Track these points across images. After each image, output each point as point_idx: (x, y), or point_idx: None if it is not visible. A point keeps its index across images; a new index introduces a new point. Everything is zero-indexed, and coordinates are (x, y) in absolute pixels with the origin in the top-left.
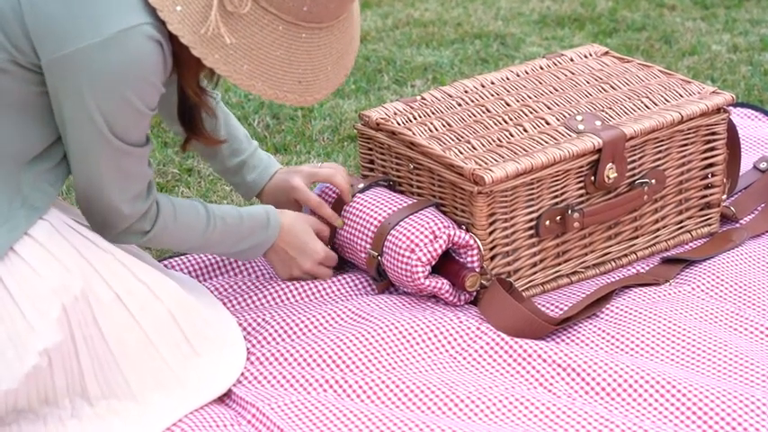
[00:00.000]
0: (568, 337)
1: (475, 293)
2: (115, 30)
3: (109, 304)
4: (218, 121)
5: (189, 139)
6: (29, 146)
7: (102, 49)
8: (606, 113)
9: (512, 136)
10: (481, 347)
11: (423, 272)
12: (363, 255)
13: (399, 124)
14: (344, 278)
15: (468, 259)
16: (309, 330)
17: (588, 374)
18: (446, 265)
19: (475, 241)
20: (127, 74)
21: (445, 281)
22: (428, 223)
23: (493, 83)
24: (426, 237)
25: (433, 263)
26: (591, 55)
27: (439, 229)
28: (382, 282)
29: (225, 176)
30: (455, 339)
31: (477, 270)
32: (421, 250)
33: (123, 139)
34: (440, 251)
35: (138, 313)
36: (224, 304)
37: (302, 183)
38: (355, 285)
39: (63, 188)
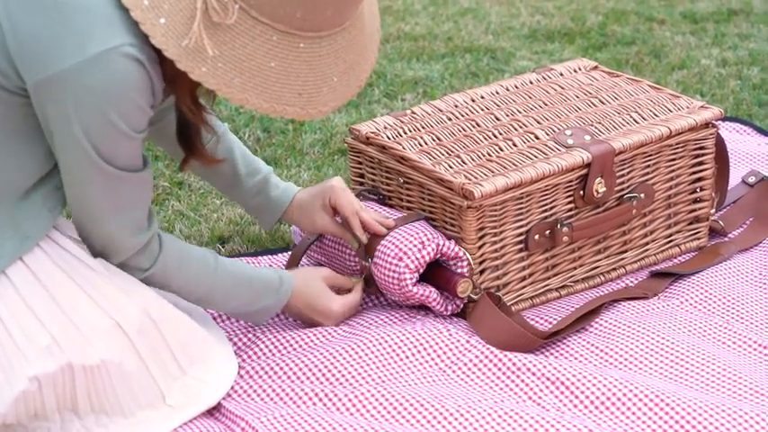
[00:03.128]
0: (558, 351)
1: (462, 304)
2: (96, 50)
3: (107, 331)
4: (219, 141)
5: (187, 158)
6: (26, 175)
7: (84, 69)
8: (595, 128)
9: (501, 150)
10: (470, 361)
11: (411, 279)
12: (352, 264)
13: (389, 138)
14: None
15: (459, 270)
16: (300, 345)
17: (577, 388)
18: (436, 273)
19: (464, 254)
20: (108, 95)
21: (433, 289)
22: (417, 233)
23: (483, 97)
24: (414, 245)
25: (421, 270)
26: (580, 69)
27: (428, 238)
28: (370, 288)
29: (244, 200)
30: (444, 353)
31: (464, 268)
32: (409, 257)
33: (112, 163)
34: (428, 258)
35: (135, 338)
36: (214, 319)
37: (342, 183)
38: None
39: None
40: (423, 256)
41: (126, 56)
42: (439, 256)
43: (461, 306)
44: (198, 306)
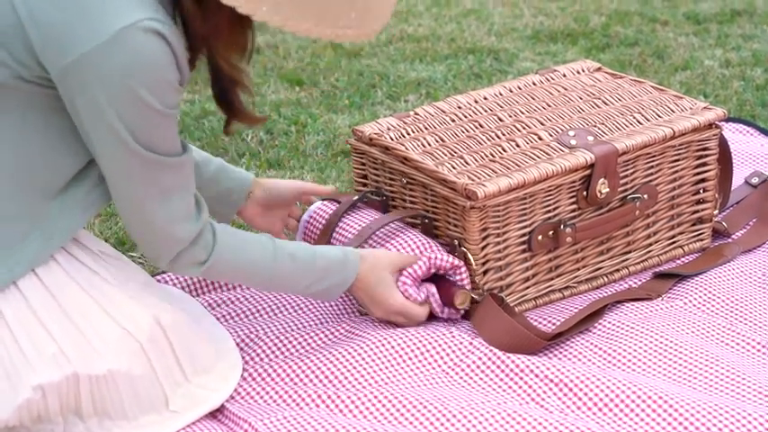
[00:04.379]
0: (561, 352)
1: (463, 311)
2: (115, 29)
3: (117, 340)
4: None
5: (230, 120)
6: (57, 173)
7: (106, 50)
8: (598, 129)
9: (504, 151)
10: (473, 362)
11: (412, 285)
12: None
13: (392, 139)
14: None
15: (458, 278)
16: (303, 348)
17: (580, 389)
18: (436, 283)
19: (462, 261)
20: (134, 71)
21: (434, 290)
22: (411, 246)
23: (486, 98)
24: (411, 268)
25: (418, 282)
26: (583, 71)
27: (420, 252)
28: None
29: (203, 192)
30: (447, 354)
31: (468, 288)
32: (408, 277)
33: (150, 148)
34: (420, 273)
35: (146, 345)
36: (217, 319)
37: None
38: (352, 304)
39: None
40: (414, 271)
41: (146, 30)
42: (434, 270)
43: (458, 317)
44: (262, 289)
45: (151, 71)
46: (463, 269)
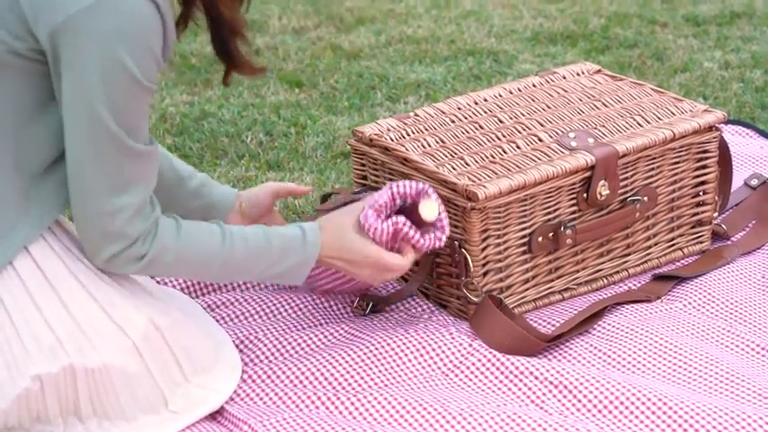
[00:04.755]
0: (560, 354)
1: (442, 236)
2: None
3: (111, 335)
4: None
5: (229, 71)
6: (42, 153)
7: (94, 12)
8: (599, 131)
9: (505, 153)
10: (473, 364)
11: (373, 215)
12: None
13: (393, 140)
14: (339, 299)
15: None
16: (302, 349)
17: (580, 391)
18: (408, 213)
19: (428, 185)
20: (121, 36)
21: (404, 218)
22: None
23: (486, 100)
24: (372, 200)
25: (386, 211)
26: (583, 73)
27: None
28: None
29: (185, 205)
30: (447, 356)
31: (434, 198)
32: (369, 207)
33: (127, 129)
34: (384, 200)
35: (139, 344)
36: (217, 321)
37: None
38: (351, 305)
39: None
40: (377, 201)
41: None
42: (400, 199)
43: (442, 238)
44: (217, 281)
45: (139, 37)
46: (431, 191)
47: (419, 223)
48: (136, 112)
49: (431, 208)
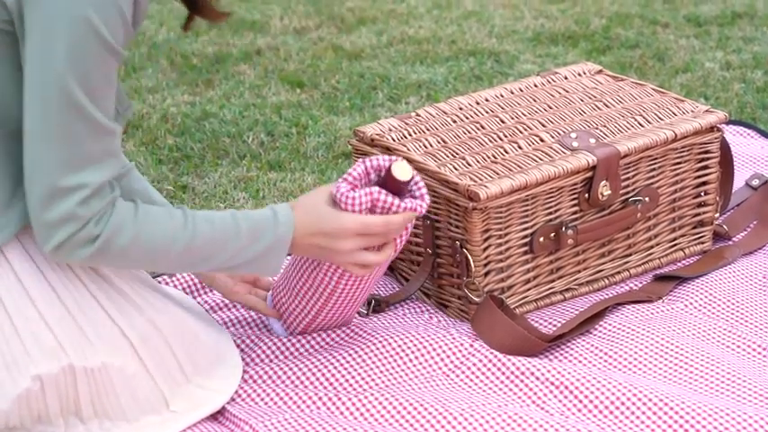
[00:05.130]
0: (561, 354)
1: (422, 202)
2: None
3: (110, 336)
4: (128, 176)
5: (191, 17)
6: None
7: None
8: (600, 131)
9: (506, 153)
10: (474, 365)
11: (347, 186)
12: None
13: (394, 140)
14: None
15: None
16: (304, 349)
17: (581, 392)
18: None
19: (400, 158)
20: None
21: (377, 188)
22: None
23: (487, 100)
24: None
25: (360, 184)
26: (585, 73)
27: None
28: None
29: None
30: (448, 357)
31: (421, 190)
32: (342, 182)
33: (90, 92)
34: (358, 173)
35: (138, 345)
36: (218, 321)
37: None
38: None
39: None
40: (350, 173)
41: None
42: (374, 173)
43: (422, 205)
44: (179, 270)
45: None
46: (399, 158)
47: (396, 193)
48: (103, 80)
49: (403, 168)
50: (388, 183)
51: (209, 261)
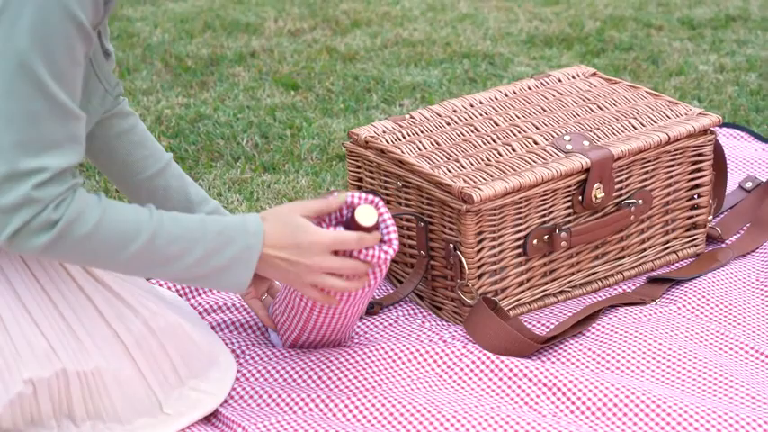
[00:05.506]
0: (554, 356)
1: (389, 251)
2: None
3: (104, 339)
4: (167, 168)
5: None
6: None
7: None
8: (594, 134)
9: (500, 155)
10: (467, 366)
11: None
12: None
13: (388, 142)
14: None
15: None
16: (296, 351)
17: (574, 393)
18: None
19: (381, 201)
20: None
21: (341, 228)
22: None
23: (481, 102)
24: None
25: (328, 219)
26: (578, 76)
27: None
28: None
29: None
30: (441, 358)
31: (390, 235)
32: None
33: (55, 73)
34: (325, 206)
35: (132, 348)
36: (210, 324)
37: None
38: None
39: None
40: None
41: None
42: (346, 209)
43: (388, 251)
44: (136, 272)
45: None
46: (381, 204)
47: (354, 227)
48: (69, 60)
49: (368, 213)
50: (352, 226)
51: (170, 264)
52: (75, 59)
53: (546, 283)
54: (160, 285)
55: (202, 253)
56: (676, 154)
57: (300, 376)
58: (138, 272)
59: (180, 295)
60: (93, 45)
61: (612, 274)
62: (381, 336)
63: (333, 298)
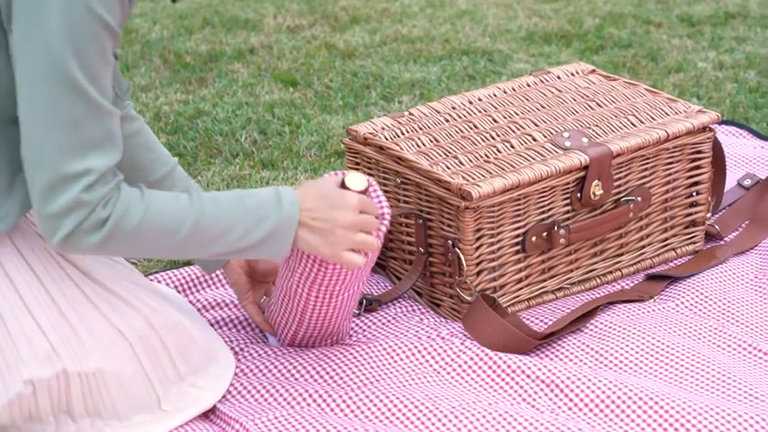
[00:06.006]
0: (552, 353)
1: (381, 228)
2: None
3: (108, 339)
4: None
5: None
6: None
7: None
8: (593, 131)
9: (499, 152)
10: (465, 362)
11: None
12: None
13: (387, 139)
14: None
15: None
16: (295, 348)
17: (572, 390)
18: None
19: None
20: None
21: None
22: None
23: (480, 99)
24: None
25: None
26: (578, 73)
27: None
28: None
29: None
30: (439, 354)
31: (384, 207)
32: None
33: (88, 72)
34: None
35: (136, 345)
36: (209, 320)
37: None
38: None
39: None
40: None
41: None
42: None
43: (383, 224)
44: (184, 255)
45: None
46: (371, 180)
47: None
48: (100, 59)
49: (357, 178)
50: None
51: (213, 244)
52: (106, 59)
53: (544, 280)
54: (158, 281)
55: (243, 230)
56: (675, 151)
57: (298, 371)
58: (185, 255)
59: (179, 291)
60: (119, 42)
61: (611, 272)
62: (380, 332)
63: (363, 259)
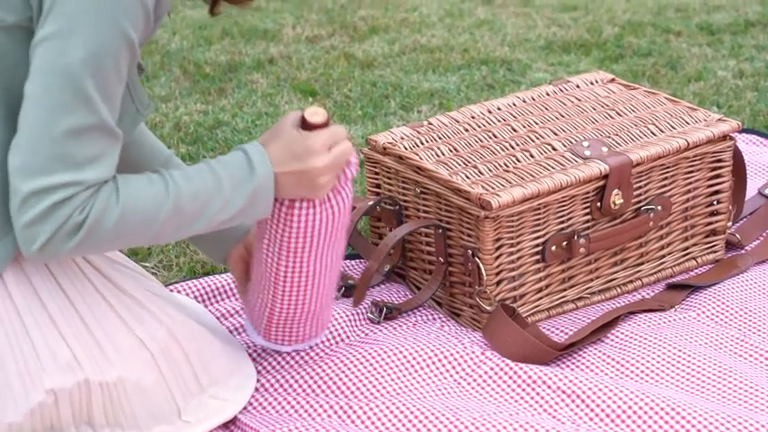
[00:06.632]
0: (573, 363)
1: (346, 184)
2: None
3: (130, 349)
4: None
5: (217, 0)
6: None
7: None
8: (612, 140)
9: (518, 161)
10: (485, 373)
11: None
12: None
13: (406, 149)
14: (349, 307)
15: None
16: (317, 356)
17: (593, 400)
18: None
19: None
20: None
21: None
22: None
23: (499, 108)
24: None
25: None
26: (597, 82)
27: None
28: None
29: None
30: (459, 365)
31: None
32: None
33: (99, 86)
34: None
35: (157, 356)
36: (228, 328)
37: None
38: (364, 311)
39: None
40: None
41: None
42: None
43: (350, 170)
44: (166, 237)
45: None
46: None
47: None
48: (116, 78)
49: (315, 111)
50: (306, 130)
51: (194, 221)
52: (121, 77)
53: (564, 290)
54: (178, 292)
55: (223, 201)
56: (695, 160)
57: (316, 382)
58: (167, 238)
59: (199, 302)
60: (137, 61)
61: (631, 281)
62: (399, 342)
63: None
